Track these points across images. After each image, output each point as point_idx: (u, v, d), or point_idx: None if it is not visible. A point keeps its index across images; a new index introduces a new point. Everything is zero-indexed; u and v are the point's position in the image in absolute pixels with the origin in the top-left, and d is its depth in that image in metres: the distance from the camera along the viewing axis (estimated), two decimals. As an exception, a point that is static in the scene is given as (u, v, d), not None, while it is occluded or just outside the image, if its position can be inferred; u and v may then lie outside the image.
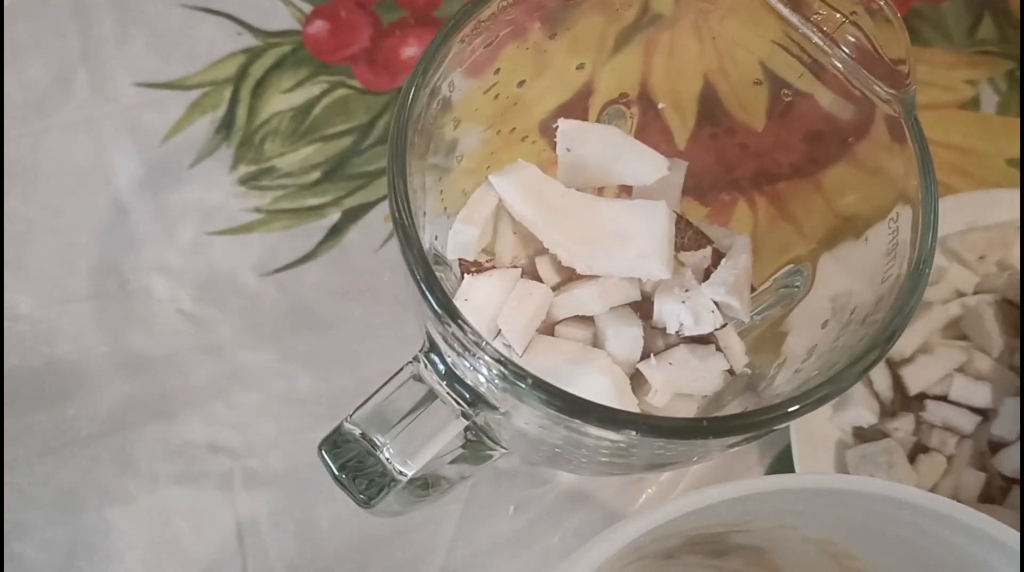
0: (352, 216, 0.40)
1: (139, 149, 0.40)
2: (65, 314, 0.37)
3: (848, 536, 0.27)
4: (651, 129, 0.34)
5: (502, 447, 0.29)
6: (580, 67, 0.28)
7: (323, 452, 0.21)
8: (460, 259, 0.27)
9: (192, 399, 0.36)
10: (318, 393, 0.37)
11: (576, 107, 0.31)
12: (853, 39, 0.22)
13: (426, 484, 0.26)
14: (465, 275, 0.26)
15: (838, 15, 0.22)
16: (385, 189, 0.40)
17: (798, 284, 0.27)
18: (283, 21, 0.43)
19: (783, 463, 0.37)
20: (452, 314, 0.18)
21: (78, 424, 0.36)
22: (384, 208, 0.40)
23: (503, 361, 0.18)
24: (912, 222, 0.21)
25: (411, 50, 0.43)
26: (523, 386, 0.19)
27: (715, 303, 0.26)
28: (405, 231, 0.19)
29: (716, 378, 0.26)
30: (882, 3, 0.22)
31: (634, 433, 0.18)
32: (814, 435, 0.35)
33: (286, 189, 0.40)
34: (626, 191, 0.30)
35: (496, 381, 0.19)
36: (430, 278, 0.19)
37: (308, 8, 0.43)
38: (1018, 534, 0.22)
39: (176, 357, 0.37)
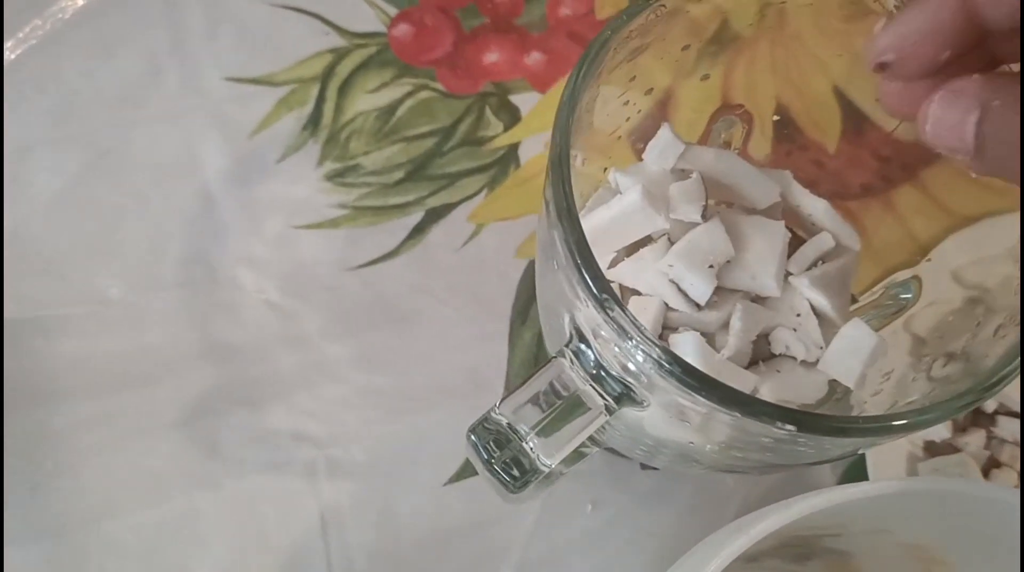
0: (434, 216, 0.40)
1: (227, 142, 0.41)
2: (155, 301, 0.38)
3: (942, 540, 0.28)
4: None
5: (598, 446, 0.29)
6: (705, 78, 0.29)
7: (473, 437, 0.22)
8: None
9: (277, 388, 0.37)
10: (398, 387, 0.38)
11: (660, 116, 0.32)
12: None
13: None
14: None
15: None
16: (467, 191, 0.41)
17: (906, 295, 0.28)
18: (369, 23, 0.44)
19: (854, 475, 0.37)
20: (615, 299, 0.19)
21: (166, 409, 0.36)
22: (466, 208, 0.41)
23: (662, 347, 0.19)
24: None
25: (492, 56, 0.44)
26: (679, 372, 0.19)
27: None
28: (571, 220, 0.20)
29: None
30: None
31: (793, 428, 0.19)
32: (886, 447, 0.36)
33: (371, 187, 0.41)
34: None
35: (650, 369, 0.19)
36: (593, 266, 0.20)
37: (393, 11, 0.44)
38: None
39: (262, 347, 0.38)
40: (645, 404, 0.22)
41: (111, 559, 0.34)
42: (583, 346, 0.21)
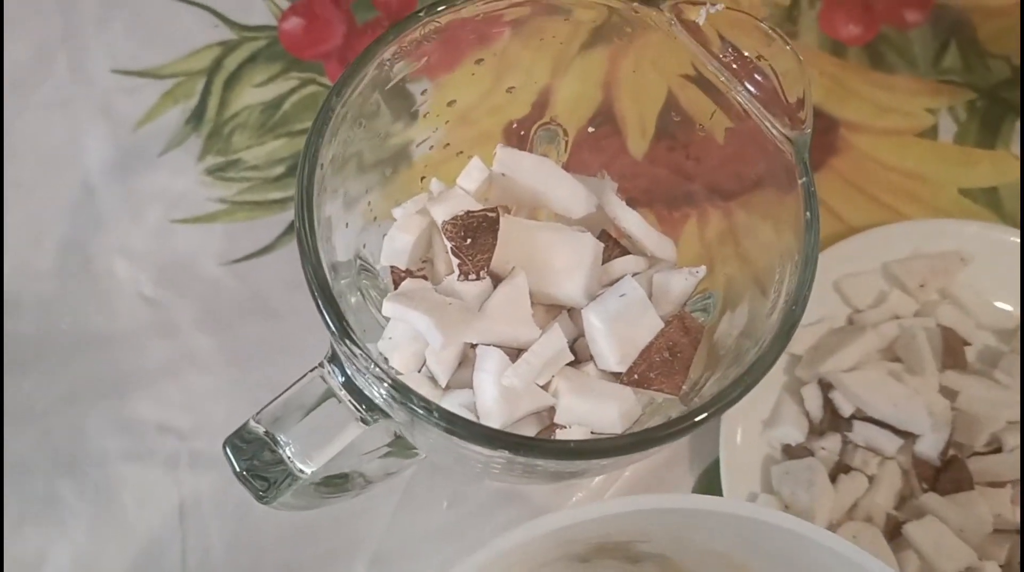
0: (313, 211, 0.41)
1: (112, 133, 0.41)
2: (29, 289, 0.39)
3: (737, 549, 0.28)
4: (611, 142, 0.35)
5: (417, 454, 0.30)
6: (511, 90, 0.29)
7: (226, 449, 0.22)
8: (392, 267, 0.28)
9: (146, 379, 0.38)
10: (268, 380, 0.37)
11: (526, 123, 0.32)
12: (760, 78, 0.23)
13: (345, 481, 0.27)
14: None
15: (746, 54, 0.23)
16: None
17: (708, 309, 0.28)
18: (260, 16, 0.44)
19: (713, 474, 0.38)
20: (347, 336, 0.20)
21: (34, 396, 0.37)
22: (344, 204, 0.41)
23: (387, 380, 0.20)
24: (792, 262, 0.22)
25: (383, 50, 0.44)
26: (406, 403, 0.20)
27: None
28: (310, 255, 0.20)
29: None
30: (788, 47, 0.23)
31: (506, 452, 0.19)
32: (743, 450, 0.37)
33: (251, 181, 0.41)
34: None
35: (384, 396, 0.20)
36: (331, 301, 0.20)
37: (285, 4, 0.44)
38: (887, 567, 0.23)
39: (133, 338, 0.38)
40: (397, 418, 0.22)
41: (-27, 542, 0.35)
42: (335, 364, 0.22)
